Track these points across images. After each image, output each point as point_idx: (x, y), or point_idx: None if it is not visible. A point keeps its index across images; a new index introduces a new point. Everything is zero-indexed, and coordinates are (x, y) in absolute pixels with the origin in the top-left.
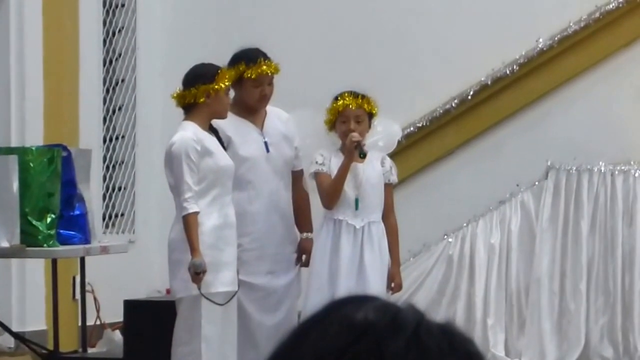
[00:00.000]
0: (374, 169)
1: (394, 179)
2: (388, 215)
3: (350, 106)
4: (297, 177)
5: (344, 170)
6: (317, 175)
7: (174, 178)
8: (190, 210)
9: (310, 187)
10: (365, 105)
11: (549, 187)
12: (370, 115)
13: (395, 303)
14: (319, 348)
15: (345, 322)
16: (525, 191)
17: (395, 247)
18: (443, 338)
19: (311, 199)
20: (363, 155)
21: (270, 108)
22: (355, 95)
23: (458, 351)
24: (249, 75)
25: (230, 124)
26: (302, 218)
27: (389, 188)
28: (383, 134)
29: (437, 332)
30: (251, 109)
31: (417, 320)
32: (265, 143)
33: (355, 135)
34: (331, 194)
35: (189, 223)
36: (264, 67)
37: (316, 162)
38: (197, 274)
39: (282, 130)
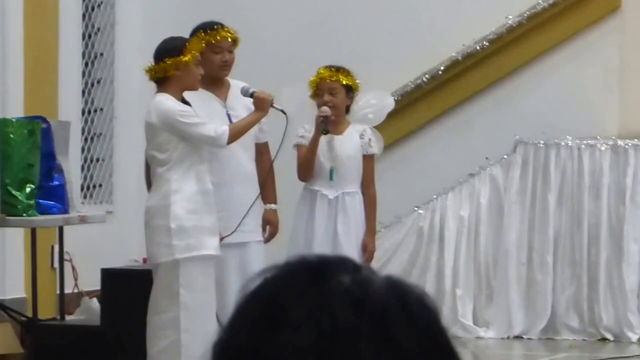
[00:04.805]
0: (352, 141)
1: (373, 150)
2: (367, 186)
3: (324, 79)
4: (261, 149)
5: (313, 144)
6: (297, 147)
7: (177, 129)
8: (224, 131)
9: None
10: (341, 78)
11: (517, 161)
12: (349, 88)
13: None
14: (280, 288)
15: (304, 264)
16: (494, 165)
17: (371, 217)
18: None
19: (292, 170)
20: (325, 132)
21: (233, 81)
22: (330, 68)
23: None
24: (209, 39)
25: (194, 96)
26: (265, 189)
27: (369, 159)
28: (376, 106)
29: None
30: (214, 78)
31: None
32: (229, 115)
33: (323, 110)
34: (303, 166)
35: (232, 133)
36: (223, 33)
37: (298, 135)
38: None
39: (245, 102)
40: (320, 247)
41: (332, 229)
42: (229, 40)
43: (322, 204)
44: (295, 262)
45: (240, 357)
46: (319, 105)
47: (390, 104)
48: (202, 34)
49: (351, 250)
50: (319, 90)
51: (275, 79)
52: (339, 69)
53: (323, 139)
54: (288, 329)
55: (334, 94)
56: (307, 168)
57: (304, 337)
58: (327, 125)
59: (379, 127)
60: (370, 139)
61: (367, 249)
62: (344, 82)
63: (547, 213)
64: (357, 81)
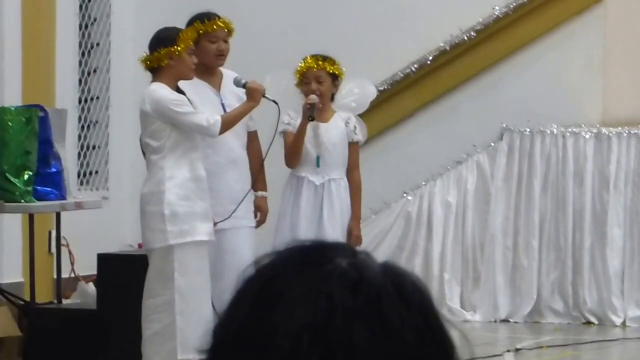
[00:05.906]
0: (338, 128)
1: (358, 137)
2: (352, 172)
3: (311, 68)
4: (250, 137)
5: (300, 131)
6: (283, 134)
7: (169, 118)
8: (217, 121)
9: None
10: (327, 66)
11: (503, 148)
12: (334, 77)
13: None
14: (278, 271)
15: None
16: (481, 152)
17: (356, 203)
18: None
19: (281, 157)
20: (311, 119)
21: (226, 71)
22: (317, 57)
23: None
24: (205, 29)
25: (189, 85)
26: (255, 177)
27: (354, 146)
28: (358, 95)
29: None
30: (209, 68)
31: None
32: (222, 104)
33: (311, 98)
34: (291, 152)
35: (223, 122)
36: (219, 22)
37: (283, 122)
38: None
39: (237, 92)
40: (306, 232)
41: (318, 214)
42: (225, 30)
43: (309, 189)
44: (293, 246)
45: (238, 338)
46: (306, 94)
47: (372, 92)
48: (199, 23)
49: (336, 235)
50: (306, 78)
51: (261, 67)
52: (325, 58)
53: (309, 127)
54: (284, 308)
55: (320, 82)
56: (295, 154)
57: (300, 316)
58: (314, 112)
59: (368, 115)
60: (355, 127)
61: (352, 233)
62: (330, 71)
63: (533, 199)
64: (343, 69)
